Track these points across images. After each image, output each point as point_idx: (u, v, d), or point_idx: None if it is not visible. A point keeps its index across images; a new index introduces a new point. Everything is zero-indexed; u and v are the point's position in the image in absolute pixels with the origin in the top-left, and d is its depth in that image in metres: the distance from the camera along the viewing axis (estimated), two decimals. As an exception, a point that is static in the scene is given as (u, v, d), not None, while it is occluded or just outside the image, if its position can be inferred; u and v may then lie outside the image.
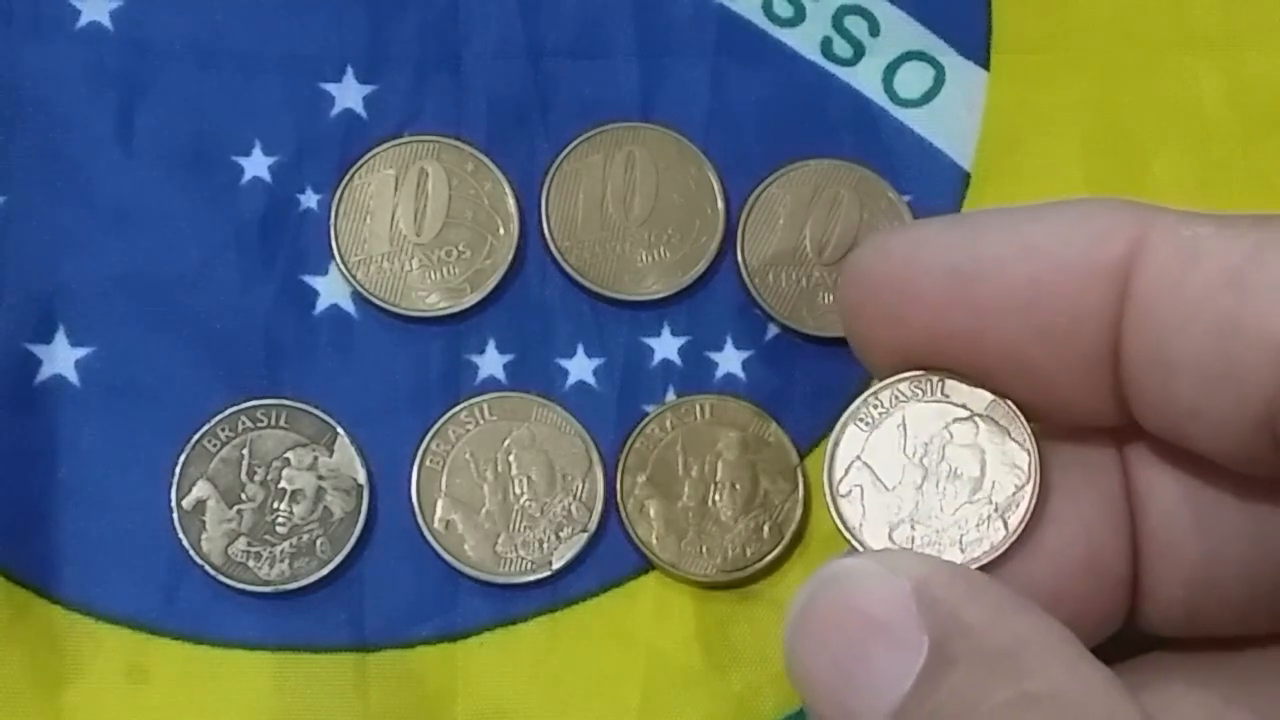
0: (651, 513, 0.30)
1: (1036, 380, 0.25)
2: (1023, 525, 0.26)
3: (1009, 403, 0.26)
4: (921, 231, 0.26)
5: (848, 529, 0.26)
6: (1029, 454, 0.26)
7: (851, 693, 0.23)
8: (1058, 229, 0.24)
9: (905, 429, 0.26)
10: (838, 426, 0.26)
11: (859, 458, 0.26)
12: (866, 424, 0.26)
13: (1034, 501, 0.26)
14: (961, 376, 0.26)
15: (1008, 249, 0.24)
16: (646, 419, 0.30)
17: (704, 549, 0.30)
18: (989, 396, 0.26)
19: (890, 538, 0.26)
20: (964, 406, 0.26)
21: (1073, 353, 0.24)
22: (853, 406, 0.26)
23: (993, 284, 0.24)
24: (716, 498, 0.30)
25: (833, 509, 0.26)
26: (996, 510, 0.26)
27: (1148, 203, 0.24)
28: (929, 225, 0.27)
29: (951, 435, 0.26)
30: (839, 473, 0.26)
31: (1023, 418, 0.26)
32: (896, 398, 0.26)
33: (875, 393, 0.26)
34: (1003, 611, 0.23)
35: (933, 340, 0.25)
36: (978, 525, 0.26)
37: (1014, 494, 0.26)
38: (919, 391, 0.26)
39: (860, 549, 0.25)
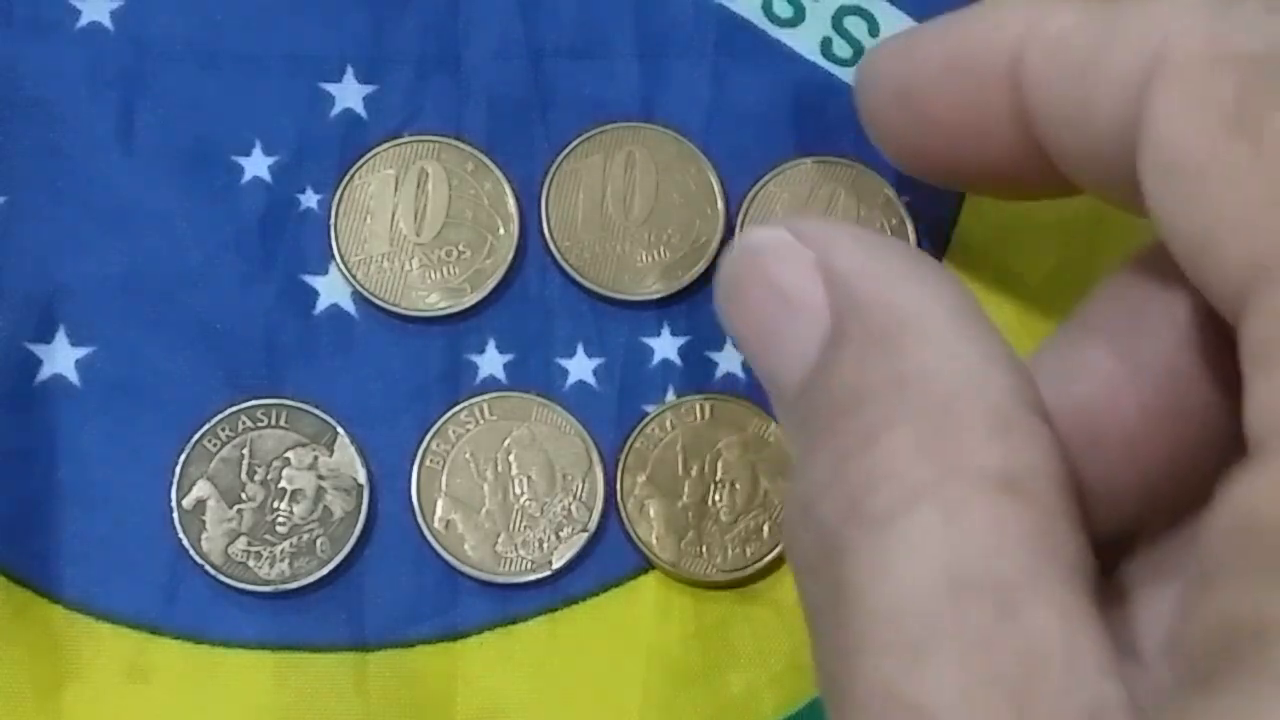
0: (651, 513, 0.30)
1: (1003, 173, 0.26)
2: None
3: None
4: (877, 52, 0.28)
5: None
6: None
7: (770, 357, 0.23)
8: (965, 41, 0.25)
9: None
10: None
11: None
12: None
13: None
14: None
15: (932, 66, 0.26)
16: (646, 419, 0.30)
17: (704, 549, 0.30)
18: None
19: None
20: None
21: (1005, 148, 0.25)
22: None
23: (927, 102, 0.26)
24: (716, 498, 0.30)
25: None
26: None
27: None
28: (883, 46, 0.28)
29: None
30: None
31: None
32: None
33: None
34: (894, 285, 0.22)
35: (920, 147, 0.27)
36: None
37: None
38: None
39: None
